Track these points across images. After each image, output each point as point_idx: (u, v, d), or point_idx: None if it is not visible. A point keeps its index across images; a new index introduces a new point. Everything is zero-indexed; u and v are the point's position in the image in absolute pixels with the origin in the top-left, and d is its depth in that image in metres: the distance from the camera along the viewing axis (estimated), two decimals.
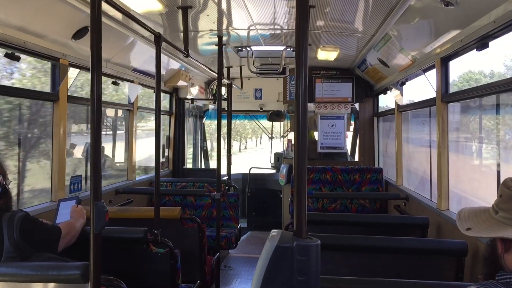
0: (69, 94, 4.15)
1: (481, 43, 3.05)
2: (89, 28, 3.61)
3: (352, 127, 7.94)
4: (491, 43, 3.01)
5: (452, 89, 3.87)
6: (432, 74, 4.05)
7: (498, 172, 3.36)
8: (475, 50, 3.17)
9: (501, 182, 1.61)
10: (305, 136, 1.53)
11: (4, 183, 2.65)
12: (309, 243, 1.47)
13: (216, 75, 5.27)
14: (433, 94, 4.06)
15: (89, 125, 5.56)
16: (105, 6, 2.57)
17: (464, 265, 2.93)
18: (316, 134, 7.28)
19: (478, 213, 1.66)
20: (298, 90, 1.53)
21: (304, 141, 1.52)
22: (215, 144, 9.45)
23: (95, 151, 2.24)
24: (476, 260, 2.96)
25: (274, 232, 1.55)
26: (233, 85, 7.16)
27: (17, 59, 3.34)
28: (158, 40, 3.44)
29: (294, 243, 1.46)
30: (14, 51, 3.33)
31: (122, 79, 5.27)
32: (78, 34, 3.77)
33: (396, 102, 5.58)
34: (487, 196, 3.55)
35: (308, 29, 1.54)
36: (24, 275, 2.35)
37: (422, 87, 5.03)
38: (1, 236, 2.53)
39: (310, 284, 1.45)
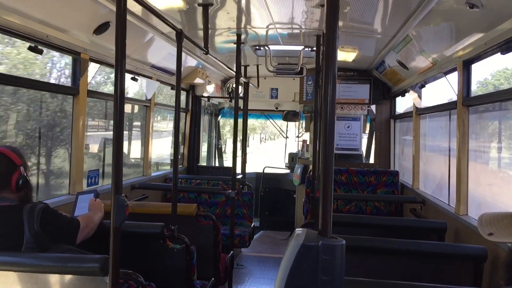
0: (88, 88, 4.19)
1: (506, 47, 3.01)
2: (110, 24, 3.66)
3: (368, 129, 7.90)
4: None
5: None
6: (453, 77, 4.01)
7: None
8: (499, 53, 3.13)
9: None
10: (333, 138, 1.52)
11: (25, 174, 2.68)
12: (335, 242, 1.46)
13: (233, 73, 5.27)
14: (452, 98, 4.02)
15: (106, 120, 5.63)
16: (128, 2, 2.58)
17: (483, 271, 2.89)
18: None
19: (500, 218, 1.64)
20: (327, 92, 1.53)
21: (332, 142, 1.51)
22: (229, 142, 9.46)
23: (117, 146, 2.25)
24: (495, 266, 2.92)
25: (299, 230, 1.55)
26: (249, 84, 7.17)
27: (40, 52, 3.38)
28: (179, 37, 3.46)
29: (320, 242, 1.45)
30: (37, 45, 3.37)
31: (141, 75, 5.30)
32: (100, 29, 3.79)
33: (414, 105, 5.54)
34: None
35: (337, 30, 1.53)
36: (44, 266, 2.37)
37: (438, 91, 5.00)
38: (21, 227, 2.56)
39: (334, 284, 1.44)
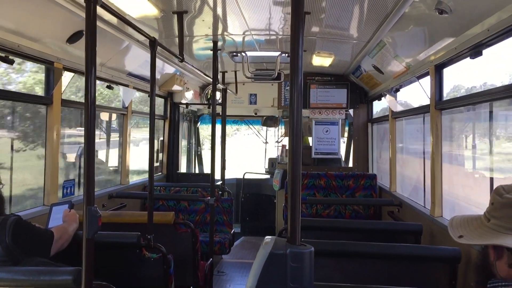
0: (63, 97, 4.14)
1: (475, 51, 3.08)
2: (83, 32, 3.62)
3: (346, 133, 7.96)
4: (484, 51, 3.03)
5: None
6: (426, 81, 4.07)
7: (491, 179, 3.38)
8: (469, 58, 3.19)
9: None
10: (299, 142, 1.53)
11: None
12: (303, 250, 1.47)
13: (211, 79, 5.27)
14: (426, 101, 4.09)
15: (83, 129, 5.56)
16: (100, 10, 2.57)
17: (457, 272, 2.93)
18: (310, 139, 7.29)
19: (470, 221, 1.67)
20: (293, 96, 1.53)
21: (298, 146, 1.52)
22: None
23: (88, 155, 2.23)
24: (469, 267, 2.97)
25: (267, 238, 1.54)
26: (227, 90, 7.16)
27: (11, 62, 3.32)
28: (153, 45, 3.45)
29: (288, 250, 1.45)
30: (8, 55, 3.31)
31: (117, 83, 5.26)
32: (73, 38, 3.76)
33: (390, 109, 5.61)
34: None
35: (303, 35, 1.54)
36: (16, 280, 2.32)
37: (415, 94, 5.08)
38: None
39: None
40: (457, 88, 4.11)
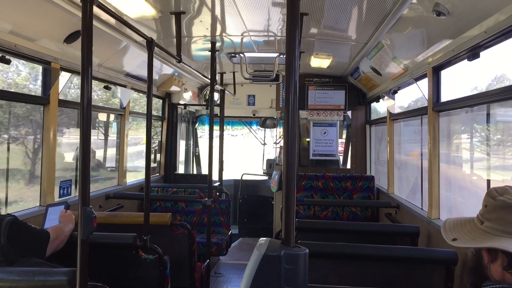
0: (61, 98, 4.13)
1: (472, 53, 3.07)
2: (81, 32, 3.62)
3: (344, 135, 7.96)
4: (482, 53, 3.03)
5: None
6: (424, 83, 4.07)
7: (488, 181, 3.37)
8: (466, 60, 3.19)
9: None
10: (295, 143, 1.52)
11: None
12: (297, 251, 1.46)
13: (209, 80, 5.26)
14: (424, 103, 4.08)
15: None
16: (97, 10, 2.56)
17: (453, 274, 2.93)
18: (308, 141, 7.29)
19: (463, 224, 1.66)
20: (288, 97, 1.53)
21: (294, 148, 1.51)
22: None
23: (84, 156, 2.22)
24: (465, 269, 2.96)
25: (262, 240, 1.54)
26: (226, 91, 7.16)
27: (8, 62, 3.31)
28: (150, 45, 3.44)
29: (282, 252, 1.45)
30: (5, 54, 3.30)
31: (115, 84, 5.25)
32: (70, 38, 3.75)
33: (388, 111, 5.61)
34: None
35: (298, 36, 1.53)
36: (10, 280, 2.31)
37: (413, 96, 5.09)
38: None
39: None
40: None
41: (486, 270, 1.54)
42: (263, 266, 1.45)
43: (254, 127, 9.61)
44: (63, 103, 4.28)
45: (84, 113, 2.20)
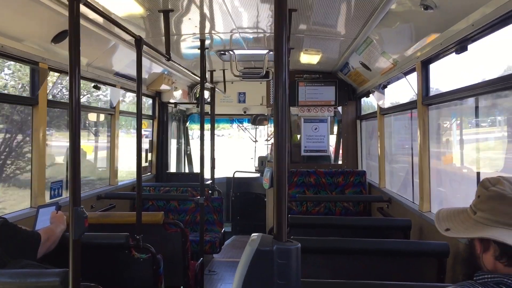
0: (49, 98, 4.10)
1: (460, 46, 3.09)
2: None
3: (335, 130, 7.98)
4: (469, 46, 3.05)
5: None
6: (413, 77, 4.09)
7: (478, 174, 3.40)
8: (454, 53, 3.21)
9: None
10: (285, 139, 1.52)
11: None
12: (289, 246, 1.46)
13: (199, 79, 5.25)
14: (414, 97, 4.11)
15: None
16: (84, 9, 2.54)
17: (445, 266, 2.95)
18: (299, 137, 7.30)
19: (456, 214, 1.67)
20: (278, 94, 1.53)
21: (284, 144, 1.52)
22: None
23: (73, 156, 2.21)
24: (457, 261, 2.98)
25: (254, 236, 1.54)
26: (216, 89, 7.14)
27: None
28: (138, 44, 3.42)
29: (274, 247, 1.45)
30: None
31: (104, 83, 5.22)
32: (58, 38, 3.72)
33: (378, 105, 5.63)
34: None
35: (286, 32, 1.53)
36: (2, 283, 2.30)
37: (403, 90, 5.10)
38: None
39: (291, 287, 1.44)
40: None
41: (478, 260, 1.55)
42: (256, 261, 1.45)
43: (245, 124, 9.61)
44: (52, 104, 4.25)
45: (73, 113, 2.19)
